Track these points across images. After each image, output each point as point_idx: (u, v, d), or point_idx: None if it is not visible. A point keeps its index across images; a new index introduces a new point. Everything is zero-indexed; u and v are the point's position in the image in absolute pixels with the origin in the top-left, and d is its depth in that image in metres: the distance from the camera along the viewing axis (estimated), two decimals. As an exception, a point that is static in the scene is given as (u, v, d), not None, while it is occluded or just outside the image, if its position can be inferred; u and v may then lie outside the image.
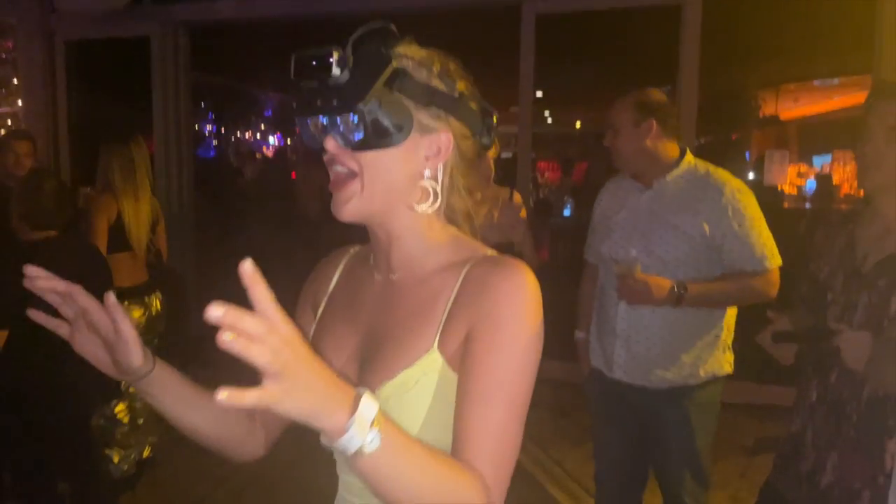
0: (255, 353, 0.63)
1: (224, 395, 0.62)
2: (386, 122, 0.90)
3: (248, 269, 0.65)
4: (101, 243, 3.18)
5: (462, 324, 0.91)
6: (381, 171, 0.93)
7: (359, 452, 0.70)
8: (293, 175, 10.54)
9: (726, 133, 9.67)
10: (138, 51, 5.36)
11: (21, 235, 2.55)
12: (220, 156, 10.98)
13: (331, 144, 0.93)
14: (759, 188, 6.52)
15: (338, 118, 0.90)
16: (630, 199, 2.32)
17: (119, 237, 3.26)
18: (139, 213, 3.30)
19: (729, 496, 3.33)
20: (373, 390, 0.91)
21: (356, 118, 0.88)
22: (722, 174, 2.21)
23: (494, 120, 1.01)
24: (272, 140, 13.82)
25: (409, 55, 0.94)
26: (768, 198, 6.28)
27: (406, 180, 0.95)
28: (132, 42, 5.43)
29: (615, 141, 2.26)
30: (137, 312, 3.30)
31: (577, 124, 13.34)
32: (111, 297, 0.86)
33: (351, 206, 0.93)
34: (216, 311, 0.61)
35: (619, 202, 2.36)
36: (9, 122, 10.03)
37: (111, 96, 5.57)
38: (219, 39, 6.37)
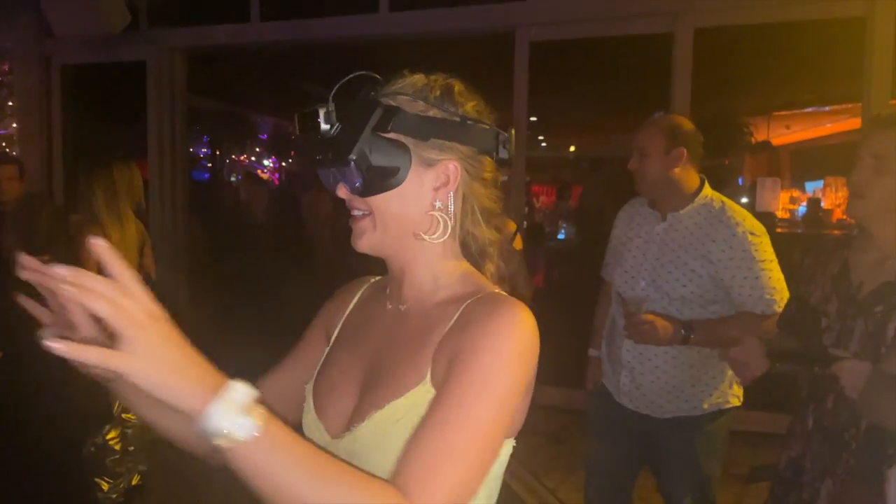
0: (98, 306, 0.64)
1: (61, 345, 0.63)
2: (382, 165, 0.92)
3: (99, 243, 0.66)
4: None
5: (446, 354, 0.89)
6: (390, 209, 0.95)
7: (226, 438, 0.66)
8: (300, 201, 10.60)
9: (719, 158, 9.74)
10: (134, 74, 5.38)
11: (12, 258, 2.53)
12: (214, 178, 10.97)
13: (342, 192, 0.96)
14: (751, 213, 6.54)
15: (338, 169, 0.93)
16: (644, 229, 2.31)
17: None
18: (125, 238, 3.26)
19: (726, 524, 3.29)
20: (362, 419, 0.91)
21: (354, 167, 0.91)
22: (737, 212, 2.18)
23: (512, 134, 1.01)
24: (267, 163, 13.85)
25: (402, 91, 0.95)
26: (762, 223, 6.30)
27: (416, 214, 0.96)
28: (128, 66, 5.46)
29: (642, 165, 2.22)
30: None
31: (572, 148, 13.41)
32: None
33: (365, 240, 0.97)
34: (61, 270, 0.64)
35: (634, 229, 2.35)
36: (3, 145, 10.05)
37: (106, 119, 5.59)
38: (214, 64, 6.40)
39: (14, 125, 8.80)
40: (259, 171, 13.43)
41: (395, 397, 0.91)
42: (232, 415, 0.67)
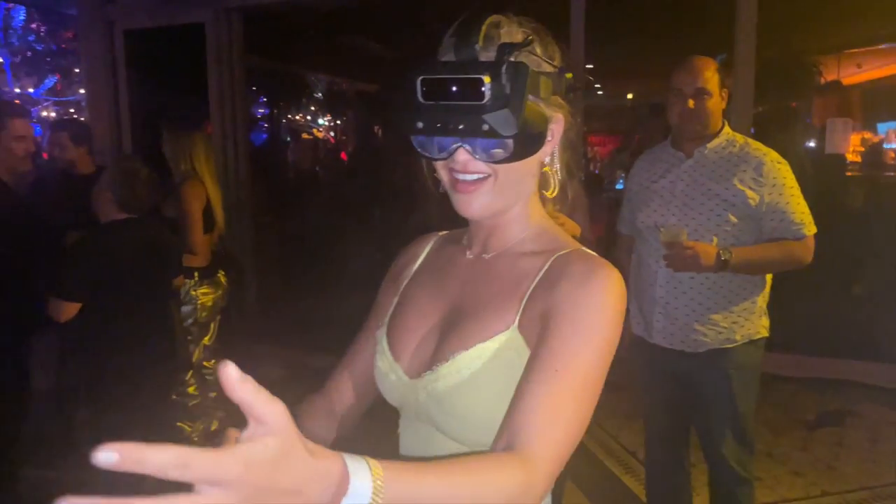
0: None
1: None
2: (532, 133, 0.88)
3: (231, 372, 0.51)
4: (198, 228, 3.31)
5: (540, 305, 0.89)
6: (513, 172, 0.92)
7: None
8: (343, 156, 10.69)
9: (785, 101, 9.36)
10: (194, 37, 5.49)
11: (102, 217, 2.67)
12: (272, 139, 11.15)
13: (462, 157, 0.89)
14: (820, 157, 6.31)
15: (473, 138, 0.86)
16: (670, 170, 2.35)
17: (208, 220, 3.39)
18: (217, 195, 3.42)
19: (790, 471, 3.29)
20: (446, 359, 0.93)
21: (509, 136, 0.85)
22: (760, 146, 2.27)
23: (570, 77, 0.96)
24: (322, 121, 13.98)
25: (531, 51, 0.90)
26: (831, 166, 6.08)
27: (535, 172, 0.97)
28: (188, 28, 5.56)
29: (708, 103, 2.25)
30: (214, 293, 3.43)
31: (630, 96, 13.06)
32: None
33: (482, 203, 0.92)
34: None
35: (658, 171, 2.39)
36: (72, 111, 10.43)
37: (169, 83, 5.73)
38: (269, 23, 6.46)
39: (82, 91, 9.12)
40: (315, 131, 13.60)
41: (481, 340, 0.91)
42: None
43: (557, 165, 0.99)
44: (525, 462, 0.74)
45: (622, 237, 2.60)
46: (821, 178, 5.15)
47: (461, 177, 0.91)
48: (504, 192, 0.93)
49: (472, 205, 0.92)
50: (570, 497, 3.02)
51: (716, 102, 2.26)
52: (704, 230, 2.22)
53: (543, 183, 0.99)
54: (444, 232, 1.16)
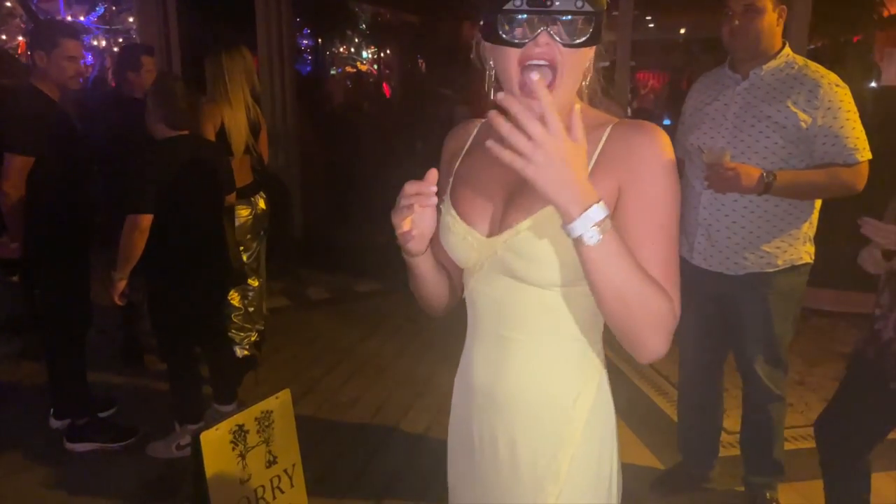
0: (525, 149, 0.83)
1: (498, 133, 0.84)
2: (601, 19, 0.97)
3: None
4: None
5: (611, 175, 1.01)
6: (578, 62, 1.01)
7: (579, 241, 0.88)
8: (385, 88, 10.66)
9: (845, 36, 8.97)
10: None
11: (158, 136, 2.80)
12: (316, 70, 11.16)
13: (544, 40, 0.97)
14: (879, 89, 6.10)
15: (565, 18, 0.96)
16: (724, 92, 2.32)
17: (225, 143, 3.46)
18: (235, 119, 3.46)
19: (821, 398, 3.35)
20: (513, 225, 1.05)
21: (589, 19, 0.96)
22: (819, 68, 2.20)
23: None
24: (366, 54, 13.89)
25: None
26: (890, 99, 5.88)
27: (585, 69, 1.04)
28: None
29: (758, 21, 2.19)
30: (245, 211, 3.54)
31: (682, 31, 12.62)
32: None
33: (549, 87, 0.99)
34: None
35: (713, 93, 2.36)
36: (120, 40, 10.55)
37: (217, 10, 5.78)
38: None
39: (130, 20, 9.21)
40: (359, 64, 13.52)
41: (546, 204, 1.00)
42: (587, 226, 0.87)
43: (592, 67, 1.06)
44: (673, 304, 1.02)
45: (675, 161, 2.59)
46: (878, 111, 5.00)
47: (531, 62, 0.99)
48: (564, 86, 1.01)
49: (540, 87, 0.99)
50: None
51: (768, 21, 2.18)
52: (752, 153, 2.19)
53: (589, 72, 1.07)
54: (483, 119, 1.23)
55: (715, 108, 2.33)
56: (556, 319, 1.09)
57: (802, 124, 2.14)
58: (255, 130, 3.58)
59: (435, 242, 1.16)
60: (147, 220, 2.64)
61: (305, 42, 11.20)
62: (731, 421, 2.78)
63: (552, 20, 0.96)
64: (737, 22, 2.20)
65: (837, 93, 2.14)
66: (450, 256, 1.17)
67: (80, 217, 2.97)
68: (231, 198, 3.14)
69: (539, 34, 0.96)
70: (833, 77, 2.18)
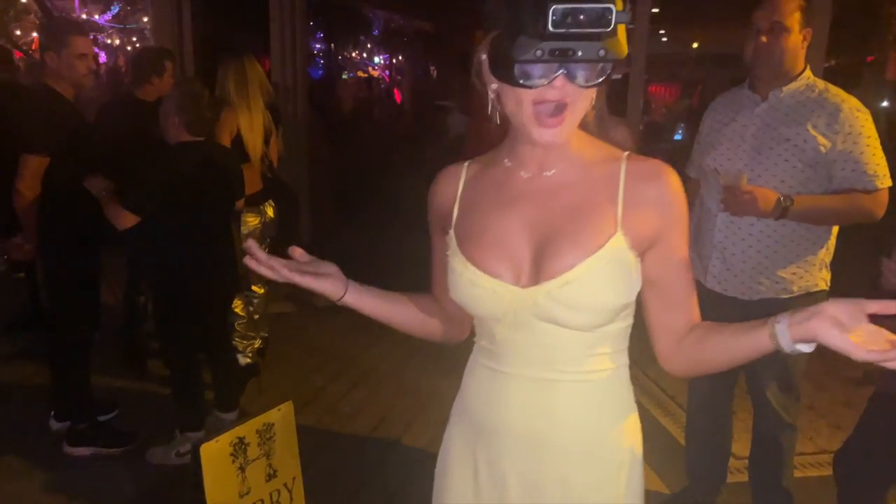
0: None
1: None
2: (618, 59, 0.95)
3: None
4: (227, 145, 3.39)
5: (645, 223, 1.05)
6: (586, 98, 1.01)
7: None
8: (396, 93, 10.67)
9: (860, 55, 8.93)
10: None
11: (171, 139, 2.78)
12: (328, 74, 11.18)
13: (560, 83, 0.96)
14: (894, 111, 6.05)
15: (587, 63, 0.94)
16: (742, 112, 2.28)
17: (239, 149, 3.47)
18: (253, 124, 3.46)
19: (830, 423, 3.29)
20: (556, 276, 1.04)
21: (609, 63, 0.94)
22: (840, 91, 2.16)
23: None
24: (378, 59, 13.91)
25: None
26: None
27: (592, 99, 1.03)
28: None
29: (784, 40, 2.14)
30: (255, 220, 3.53)
31: (695, 45, 12.60)
32: (298, 251, 1.16)
33: (560, 132, 1.00)
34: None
35: (731, 113, 2.32)
36: (133, 39, 10.58)
37: (231, 15, 5.78)
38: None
39: (145, 19, 9.22)
40: (370, 69, 13.55)
41: (592, 250, 1.03)
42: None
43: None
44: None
45: (690, 181, 2.50)
46: (894, 133, 4.95)
47: (545, 106, 0.98)
48: (574, 118, 1.01)
49: (554, 129, 1.00)
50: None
51: (794, 41, 2.13)
52: (770, 176, 2.15)
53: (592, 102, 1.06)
54: (467, 161, 1.20)
55: (733, 129, 2.28)
56: (597, 356, 1.12)
57: (822, 148, 2.09)
58: (266, 137, 3.58)
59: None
60: (130, 218, 2.64)
61: (318, 46, 11.23)
62: (740, 446, 2.74)
63: (577, 66, 0.95)
64: (763, 39, 2.15)
65: (858, 118, 2.10)
66: (467, 309, 1.15)
67: (92, 217, 2.95)
68: (239, 203, 3.12)
69: (556, 78, 0.95)
70: (854, 102, 2.14)
